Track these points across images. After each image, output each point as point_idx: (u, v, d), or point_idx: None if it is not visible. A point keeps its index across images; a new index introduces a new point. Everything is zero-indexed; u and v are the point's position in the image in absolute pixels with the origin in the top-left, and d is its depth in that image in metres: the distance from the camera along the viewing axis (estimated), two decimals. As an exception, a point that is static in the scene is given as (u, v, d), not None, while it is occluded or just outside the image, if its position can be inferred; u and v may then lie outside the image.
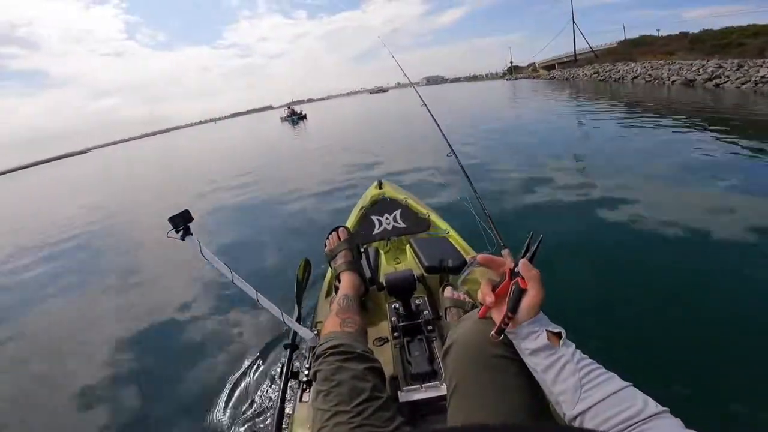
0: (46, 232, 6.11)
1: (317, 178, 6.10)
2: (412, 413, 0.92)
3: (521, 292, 0.63)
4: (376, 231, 1.87)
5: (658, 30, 31.56)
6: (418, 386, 0.96)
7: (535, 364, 0.61)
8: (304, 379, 1.08)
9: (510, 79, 53.12)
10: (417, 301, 1.27)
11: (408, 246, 1.73)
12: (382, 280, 1.31)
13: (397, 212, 1.93)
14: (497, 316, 0.65)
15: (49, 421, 1.86)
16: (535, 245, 0.65)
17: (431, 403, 0.93)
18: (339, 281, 1.26)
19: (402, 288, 1.20)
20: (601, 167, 4.55)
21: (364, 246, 1.55)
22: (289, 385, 1.12)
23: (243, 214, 4.96)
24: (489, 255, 0.70)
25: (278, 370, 1.39)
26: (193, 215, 0.86)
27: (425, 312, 1.21)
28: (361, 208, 1.99)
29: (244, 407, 1.57)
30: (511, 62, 76.14)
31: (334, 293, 1.34)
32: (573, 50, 42.93)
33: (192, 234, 0.87)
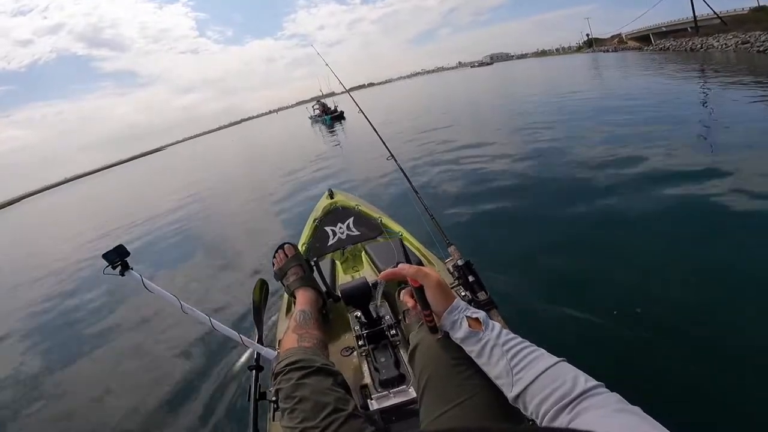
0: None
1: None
2: (384, 420, 0.91)
3: (420, 290, 0.65)
4: (330, 242, 1.83)
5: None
6: (386, 392, 0.95)
7: (469, 352, 0.61)
8: (273, 398, 1.08)
9: (609, 50, 46.11)
10: (377, 308, 1.25)
11: (363, 253, 1.69)
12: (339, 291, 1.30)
13: (350, 220, 1.88)
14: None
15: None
16: (403, 248, 0.63)
17: (401, 407, 0.93)
18: (295, 298, 1.24)
19: (358, 297, 1.18)
20: None
21: (315, 259, 1.51)
22: (260, 405, 1.12)
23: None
24: (390, 270, 0.70)
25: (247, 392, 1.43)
26: (128, 249, 0.87)
27: (386, 317, 1.20)
28: (314, 220, 1.96)
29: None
30: (588, 35, 69.42)
31: (294, 309, 1.34)
32: (671, 19, 36.11)
33: (131, 268, 0.88)
